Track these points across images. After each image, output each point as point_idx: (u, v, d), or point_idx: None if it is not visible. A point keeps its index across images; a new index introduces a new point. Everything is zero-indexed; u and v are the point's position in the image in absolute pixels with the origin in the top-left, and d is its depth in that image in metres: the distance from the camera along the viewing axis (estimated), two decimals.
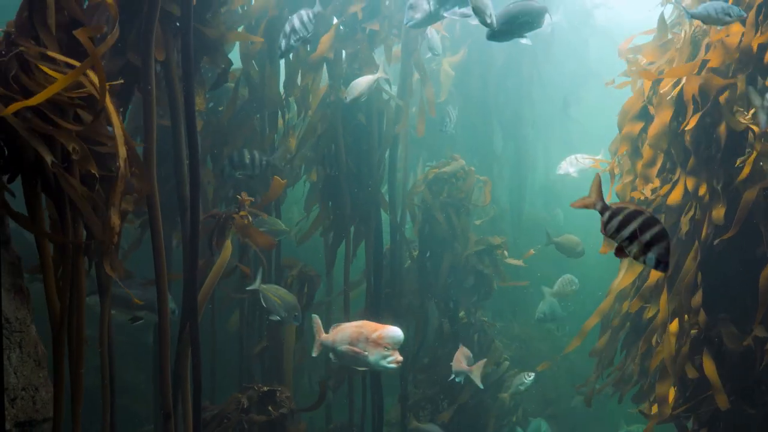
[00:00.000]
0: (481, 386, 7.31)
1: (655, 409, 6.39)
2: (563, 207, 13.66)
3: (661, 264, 3.13)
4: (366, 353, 5.24)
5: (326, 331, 5.70)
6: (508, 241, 9.22)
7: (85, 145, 3.83)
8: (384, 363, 5.23)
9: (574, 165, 11.55)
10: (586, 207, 3.28)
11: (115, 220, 3.81)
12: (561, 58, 12.37)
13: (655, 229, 3.11)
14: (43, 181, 3.93)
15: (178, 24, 5.41)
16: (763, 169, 5.57)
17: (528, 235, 11.85)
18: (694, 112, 5.80)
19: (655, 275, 6.35)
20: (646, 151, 6.27)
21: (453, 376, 7.26)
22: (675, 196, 6.04)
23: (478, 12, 4.55)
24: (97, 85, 3.78)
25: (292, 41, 6.53)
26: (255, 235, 6.45)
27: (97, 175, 3.88)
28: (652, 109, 6.25)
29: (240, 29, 7.51)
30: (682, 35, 6.11)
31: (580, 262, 9.91)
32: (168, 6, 5.29)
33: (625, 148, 6.49)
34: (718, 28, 5.54)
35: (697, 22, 5.86)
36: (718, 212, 5.67)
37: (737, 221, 5.56)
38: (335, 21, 7.56)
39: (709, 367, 5.79)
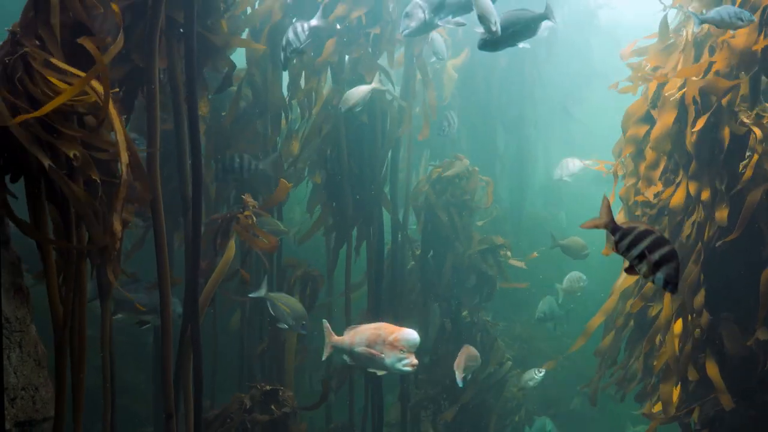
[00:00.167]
0: (460, 383, 7.32)
1: (657, 408, 6.40)
2: (566, 208, 13.65)
3: (669, 284, 3.16)
4: (383, 355, 5.24)
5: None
6: (511, 236, 9.22)
7: (86, 151, 3.83)
8: (399, 366, 5.25)
9: (566, 170, 11.62)
10: (597, 228, 3.32)
11: (117, 225, 3.81)
12: (564, 59, 12.35)
13: (664, 250, 3.14)
14: (47, 184, 3.95)
15: (181, 30, 5.44)
16: (766, 171, 5.57)
17: (529, 236, 11.85)
18: (696, 114, 5.80)
19: None
20: (649, 154, 6.26)
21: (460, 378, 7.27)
22: (678, 198, 6.04)
23: (483, 20, 4.56)
24: (101, 92, 3.79)
25: (288, 53, 6.61)
26: (259, 234, 6.47)
27: (98, 181, 3.88)
28: (655, 113, 6.24)
29: (245, 33, 7.56)
30: (684, 38, 6.10)
31: (581, 263, 9.91)
32: (172, 12, 5.31)
33: (630, 149, 6.48)
34: (732, 32, 5.56)
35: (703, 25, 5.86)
36: (722, 214, 5.67)
37: (741, 223, 5.56)
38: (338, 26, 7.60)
39: (712, 367, 5.79)
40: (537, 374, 8.83)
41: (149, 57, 5.12)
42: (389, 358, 5.24)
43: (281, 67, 7.27)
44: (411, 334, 5.25)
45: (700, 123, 5.73)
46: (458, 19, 5.32)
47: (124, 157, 3.81)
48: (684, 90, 5.89)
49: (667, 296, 6.13)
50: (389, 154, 8.18)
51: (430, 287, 8.80)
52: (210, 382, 7.26)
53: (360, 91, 7.02)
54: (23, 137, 3.64)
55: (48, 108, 3.57)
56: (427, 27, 5.38)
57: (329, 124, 7.80)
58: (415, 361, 5.24)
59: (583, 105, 13.47)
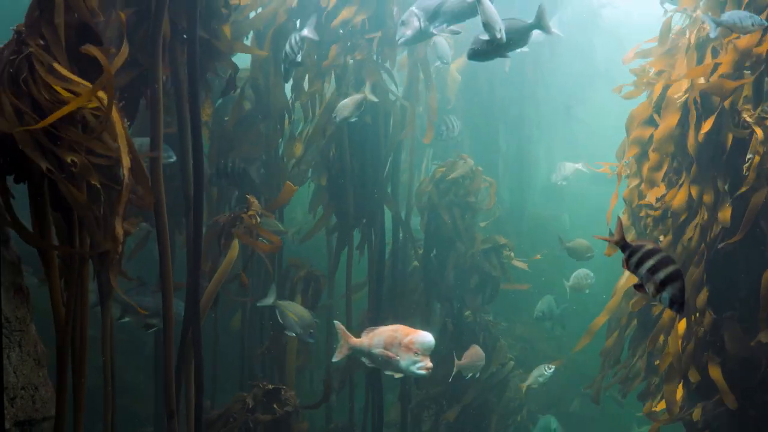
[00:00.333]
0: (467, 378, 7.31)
1: (660, 407, 6.41)
2: (568, 209, 13.61)
3: (675, 304, 3.17)
4: (398, 358, 5.24)
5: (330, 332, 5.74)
6: (513, 237, 9.20)
7: (87, 157, 3.83)
8: (414, 368, 5.21)
9: (561, 174, 11.62)
10: (611, 243, 3.43)
11: (119, 229, 3.82)
12: (567, 59, 12.28)
13: (669, 269, 3.17)
14: (50, 187, 3.96)
15: (184, 36, 5.47)
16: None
17: (531, 237, 11.83)
18: (698, 116, 5.79)
19: None
20: (652, 156, 6.26)
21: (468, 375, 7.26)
22: (680, 200, 6.04)
23: (488, 27, 4.57)
24: (104, 100, 3.80)
25: (286, 65, 6.80)
26: (263, 235, 6.49)
27: (98, 185, 3.88)
28: (657, 117, 6.24)
29: (249, 36, 7.59)
30: (687, 40, 6.10)
31: (582, 263, 9.89)
32: (175, 16, 5.33)
33: (633, 151, 6.48)
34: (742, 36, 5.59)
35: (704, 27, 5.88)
36: (724, 215, 5.67)
37: (744, 225, 5.55)
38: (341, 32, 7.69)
39: (715, 368, 5.79)
40: (546, 371, 8.82)
41: (153, 60, 5.15)
42: (404, 360, 5.21)
43: (283, 78, 7.44)
44: (425, 337, 5.20)
45: (707, 125, 5.72)
46: (453, 27, 5.39)
47: (126, 162, 3.81)
48: (688, 93, 5.88)
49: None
50: (391, 154, 8.19)
51: (432, 287, 8.80)
52: (211, 382, 7.29)
53: (352, 101, 7.10)
54: (25, 143, 3.64)
55: (53, 118, 3.58)
56: (422, 35, 5.45)
57: (332, 126, 7.81)
58: (430, 365, 5.20)
59: (587, 105, 13.44)
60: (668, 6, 6.42)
